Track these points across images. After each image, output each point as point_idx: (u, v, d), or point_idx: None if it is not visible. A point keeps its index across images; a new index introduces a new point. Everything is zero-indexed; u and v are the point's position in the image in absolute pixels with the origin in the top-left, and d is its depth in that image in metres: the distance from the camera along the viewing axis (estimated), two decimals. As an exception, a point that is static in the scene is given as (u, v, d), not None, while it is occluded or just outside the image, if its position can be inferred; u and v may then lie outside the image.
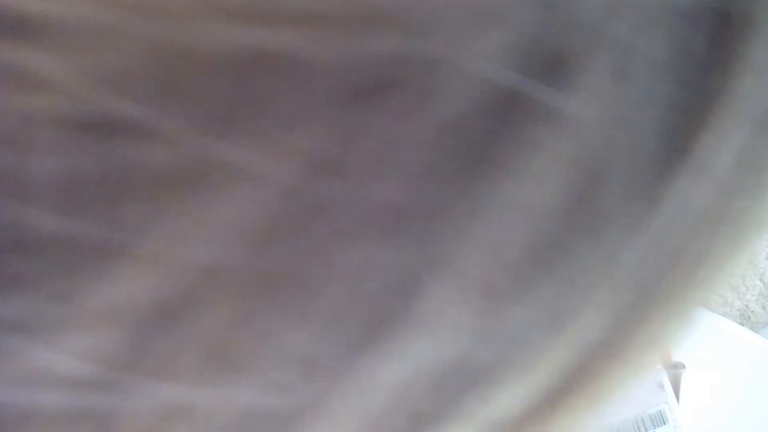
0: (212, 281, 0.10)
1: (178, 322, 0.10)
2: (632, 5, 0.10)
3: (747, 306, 1.38)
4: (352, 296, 0.10)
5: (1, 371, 0.10)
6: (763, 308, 1.38)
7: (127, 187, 0.09)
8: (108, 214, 0.09)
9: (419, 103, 0.10)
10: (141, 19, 0.09)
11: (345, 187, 0.10)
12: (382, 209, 0.10)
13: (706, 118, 0.11)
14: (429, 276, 0.11)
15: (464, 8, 0.10)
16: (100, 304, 0.10)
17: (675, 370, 0.57)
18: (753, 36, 0.11)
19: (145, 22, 0.09)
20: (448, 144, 0.10)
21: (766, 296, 1.38)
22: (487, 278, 0.11)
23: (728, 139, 0.12)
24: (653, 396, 0.54)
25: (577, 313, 0.12)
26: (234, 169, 0.09)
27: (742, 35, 0.11)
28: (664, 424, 0.54)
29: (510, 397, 0.13)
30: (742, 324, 1.32)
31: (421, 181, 0.10)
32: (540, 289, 0.11)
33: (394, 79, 0.10)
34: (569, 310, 0.12)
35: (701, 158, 0.12)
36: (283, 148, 0.09)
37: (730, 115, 0.12)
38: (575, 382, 0.13)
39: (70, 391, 0.10)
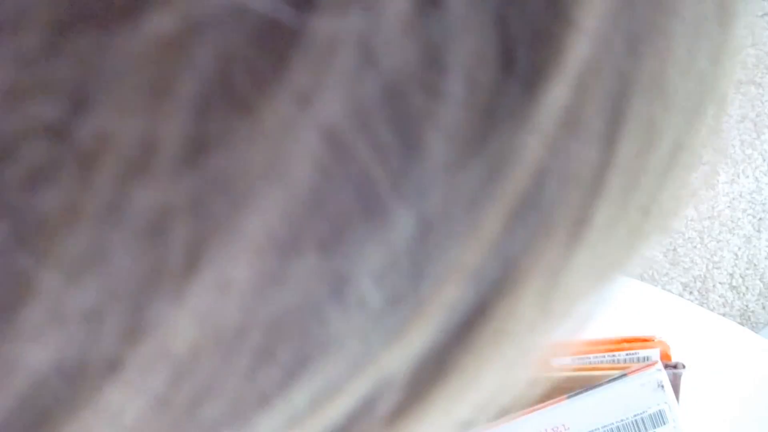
0: None
1: None
2: None
3: (747, 306, 1.38)
4: (143, 240, 0.10)
5: None
6: (763, 308, 1.38)
7: None
8: None
9: (178, 31, 0.09)
10: None
11: (107, 122, 0.09)
12: (169, 140, 0.09)
13: (529, 69, 0.11)
14: (223, 217, 0.10)
15: None
16: None
17: (675, 370, 0.57)
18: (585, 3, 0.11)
19: None
20: (218, 75, 0.09)
21: (766, 296, 1.39)
22: (279, 224, 0.10)
23: (552, 95, 0.11)
24: (653, 396, 0.54)
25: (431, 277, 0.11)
26: None
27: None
28: (664, 424, 0.54)
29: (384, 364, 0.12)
30: (742, 324, 1.31)
31: (199, 113, 0.09)
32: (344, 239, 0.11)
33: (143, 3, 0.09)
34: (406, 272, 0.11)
35: (525, 109, 0.11)
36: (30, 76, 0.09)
37: (555, 73, 0.11)
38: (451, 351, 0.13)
39: None
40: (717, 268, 1.38)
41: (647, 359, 0.60)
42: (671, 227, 0.15)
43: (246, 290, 0.10)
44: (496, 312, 0.13)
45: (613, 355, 0.60)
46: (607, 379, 0.55)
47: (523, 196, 0.11)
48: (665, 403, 0.54)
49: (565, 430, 0.54)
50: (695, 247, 1.37)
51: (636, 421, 0.54)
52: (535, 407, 0.55)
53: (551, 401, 0.54)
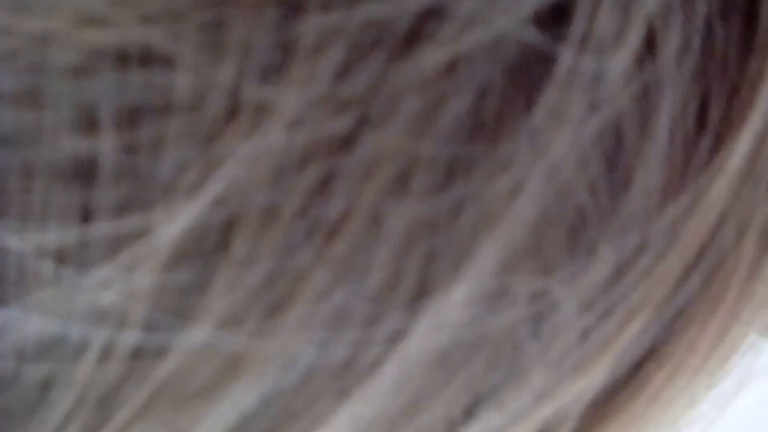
0: (242, 217, 0.10)
1: (211, 258, 0.10)
2: None
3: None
4: (395, 251, 0.10)
5: (49, 301, 0.10)
6: (764, 310, 1.37)
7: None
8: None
9: (452, 60, 0.10)
10: None
11: (384, 140, 0.10)
12: (427, 163, 0.10)
13: (721, 121, 0.11)
14: (461, 239, 0.10)
15: None
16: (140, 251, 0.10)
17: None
18: None
19: None
20: (476, 102, 0.10)
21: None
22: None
23: (738, 147, 0.11)
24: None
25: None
26: (261, 107, 0.09)
27: None
28: (664, 423, 0.54)
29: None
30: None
31: (454, 140, 0.10)
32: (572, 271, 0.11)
33: (424, 33, 0.10)
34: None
35: (713, 158, 0.11)
36: (313, 91, 0.09)
37: (743, 127, 0.11)
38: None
39: (127, 330, 0.10)
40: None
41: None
42: None
43: (467, 310, 0.11)
44: (671, 351, 0.13)
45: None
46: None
47: (706, 240, 0.12)
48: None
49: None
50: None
51: (636, 419, 0.54)
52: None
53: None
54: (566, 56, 0.10)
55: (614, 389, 0.13)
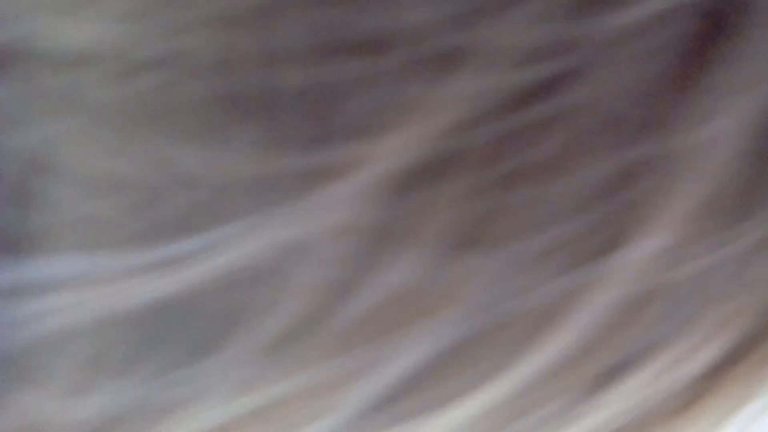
0: (461, 147, 0.10)
1: (426, 186, 0.10)
2: None
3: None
4: (587, 201, 0.10)
5: (242, 233, 0.10)
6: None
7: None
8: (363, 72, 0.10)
9: (639, 29, 0.10)
10: None
11: (582, 92, 0.10)
12: (613, 120, 0.10)
13: None
14: (654, 191, 0.11)
15: None
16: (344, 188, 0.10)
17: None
18: None
19: None
20: (666, 62, 0.10)
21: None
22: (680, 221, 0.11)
23: None
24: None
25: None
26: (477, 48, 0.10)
27: None
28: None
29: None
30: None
31: (647, 95, 0.10)
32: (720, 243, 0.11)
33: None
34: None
35: None
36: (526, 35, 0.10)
37: None
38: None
39: (321, 266, 0.10)
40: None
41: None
42: None
43: (651, 263, 0.11)
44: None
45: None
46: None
47: None
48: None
49: None
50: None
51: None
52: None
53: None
54: (746, 24, 0.10)
55: (729, 357, 0.13)
